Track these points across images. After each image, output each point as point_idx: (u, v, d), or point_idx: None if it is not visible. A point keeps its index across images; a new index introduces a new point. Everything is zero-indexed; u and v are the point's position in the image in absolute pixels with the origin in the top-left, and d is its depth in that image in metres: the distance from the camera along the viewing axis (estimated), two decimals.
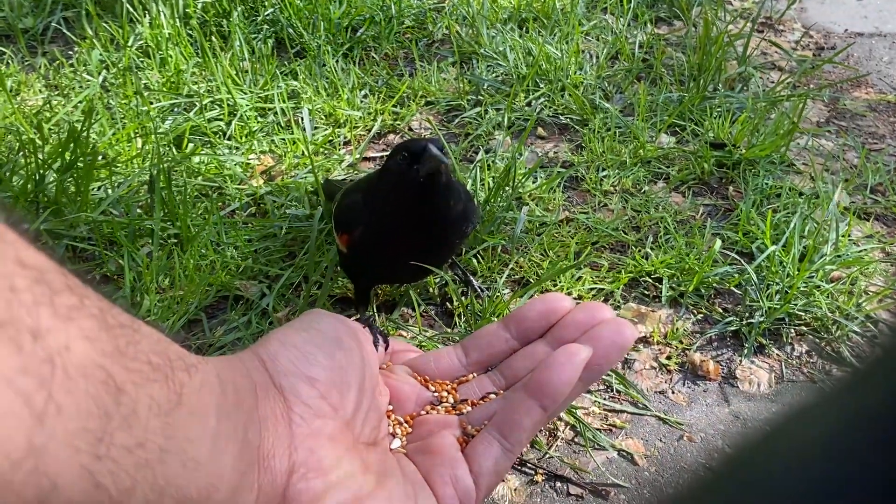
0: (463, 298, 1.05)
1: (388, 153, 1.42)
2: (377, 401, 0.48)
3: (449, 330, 1.04)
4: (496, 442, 0.45)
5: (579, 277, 1.12)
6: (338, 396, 0.44)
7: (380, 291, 1.10)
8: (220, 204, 1.25)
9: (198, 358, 0.37)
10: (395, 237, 0.88)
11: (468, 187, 1.25)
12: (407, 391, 0.50)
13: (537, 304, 0.50)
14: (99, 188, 1.24)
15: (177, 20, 1.69)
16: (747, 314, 1.08)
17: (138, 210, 1.21)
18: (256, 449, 0.39)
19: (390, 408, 0.49)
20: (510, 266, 1.12)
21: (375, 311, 1.06)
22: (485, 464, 0.44)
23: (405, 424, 0.49)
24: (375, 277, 1.00)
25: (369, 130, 1.46)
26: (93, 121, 1.33)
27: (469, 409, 0.49)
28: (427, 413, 0.49)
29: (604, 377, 0.97)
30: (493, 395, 0.50)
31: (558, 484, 0.88)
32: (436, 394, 0.50)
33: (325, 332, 0.46)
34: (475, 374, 0.52)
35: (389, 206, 0.86)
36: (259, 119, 1.46)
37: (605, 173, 1.35)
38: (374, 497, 0.42)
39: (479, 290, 1.07)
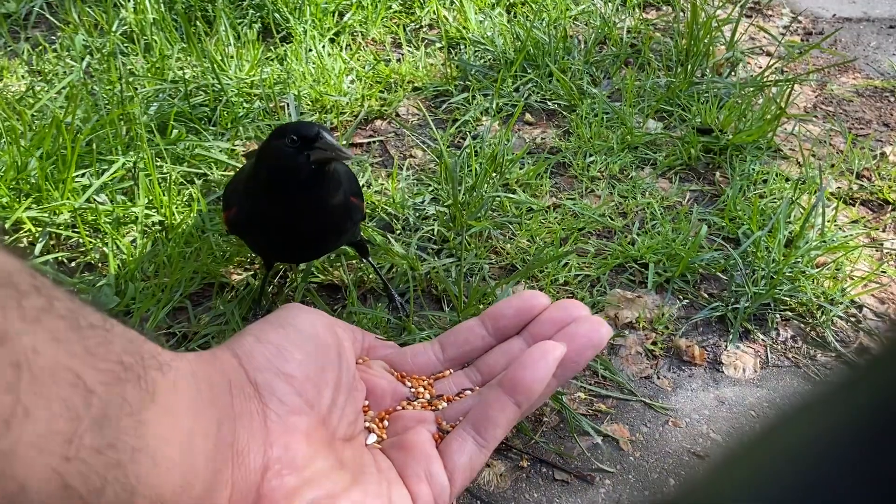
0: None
1: (372, 139, 1.41)
2: (353, 396, 0.48)
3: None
4: (470, 438, 0.45)
5: (565, 263, 1.12)
6: (314, 393, 0.44)
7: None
8: (205, 191, 1.24)
9: (172, 355, 0.37)
10: (268, 223, 0.86)
11: (456, 172, 1.25)
12: (383, 386, 0.50)
13: (514, 301, 0.50)
14: (82, 175, 1.23)
15: (161, 5, 1.67)
16: (733, 300, 1.09)
17: (122, 197, 1.20)
18: (231, 446, 0.39)
19: (366, 403, 0.49)
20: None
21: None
22: (459, 460, 0.45)
23: (381, 420, 0.49)
24: (262, 254, 0.99)
25: (356, 116, 1.45)
26: (76, 107, 1.32)
27: (445, 404, 0.49)
28: (403, 409, 0.49)
29: (590, 363, 0.98)
30: (468, 392, 0.50)
31: (544, 469, 0.88)
32: (412, 389, 0.50)
33: (301, 328, 0.46)
34: (452, 371, 0.52)
35: (267, 190, 0.82)
36: (245, 105, 1.45)
37: (592, 159, 1.34)
38: (348, 494, 0.42)
39: (399, 306, 1.06)
